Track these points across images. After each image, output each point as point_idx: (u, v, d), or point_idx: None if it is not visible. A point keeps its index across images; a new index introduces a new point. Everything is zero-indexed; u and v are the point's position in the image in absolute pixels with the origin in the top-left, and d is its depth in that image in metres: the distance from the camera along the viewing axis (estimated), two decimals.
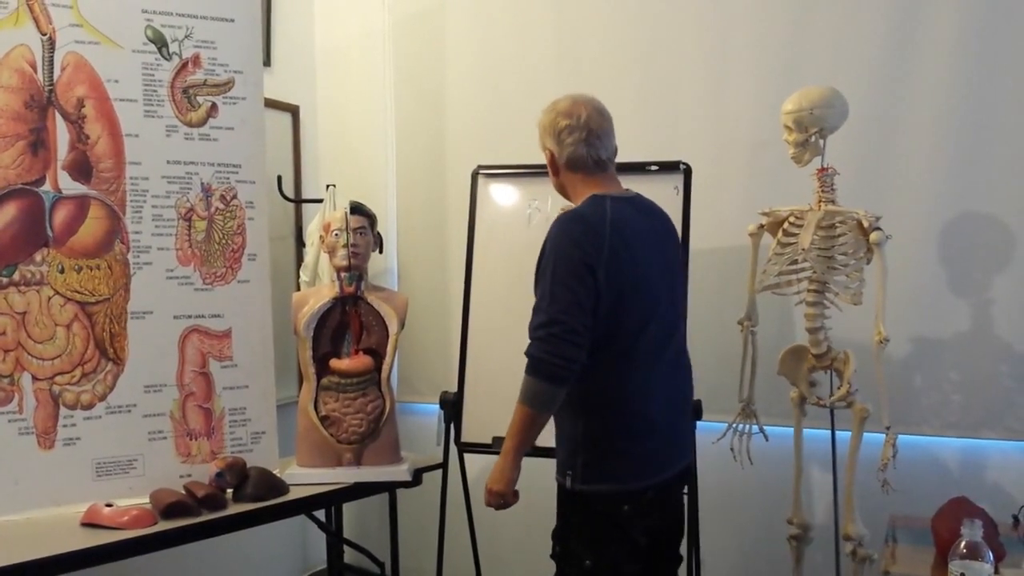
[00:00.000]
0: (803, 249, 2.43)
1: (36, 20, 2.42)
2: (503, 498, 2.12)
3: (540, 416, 2.01)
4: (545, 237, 2.07)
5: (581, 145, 2.11)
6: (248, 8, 2.75)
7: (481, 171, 2.97)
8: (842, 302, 2.44)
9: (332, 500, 2.97)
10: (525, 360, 1.98)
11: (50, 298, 2.43)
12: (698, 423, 2.56)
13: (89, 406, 2.47)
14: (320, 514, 3.18)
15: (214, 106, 2.66)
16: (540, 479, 3.38)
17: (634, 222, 2.08)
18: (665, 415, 2.11)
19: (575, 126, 2.11)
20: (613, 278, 1.98)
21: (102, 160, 2.50)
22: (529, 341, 1.98)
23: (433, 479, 2.86)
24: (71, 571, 2.10)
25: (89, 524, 2.27)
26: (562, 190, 2.22)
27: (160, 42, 2.59)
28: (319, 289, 2.83)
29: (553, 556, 2.20)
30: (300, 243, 3.62)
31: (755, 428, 2.62)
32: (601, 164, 2.14)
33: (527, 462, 2.93)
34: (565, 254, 2.00)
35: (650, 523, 2.11)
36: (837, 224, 2.43)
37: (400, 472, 2.69)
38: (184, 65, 2.62)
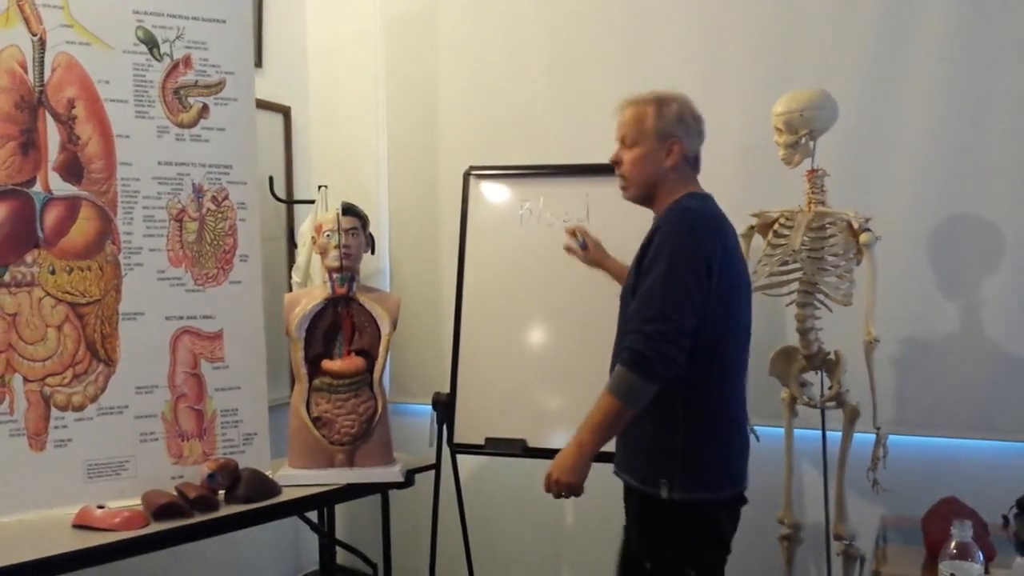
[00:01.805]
0: (793, 250, 2.44)
1: (27, 20, 2.42)
2: (572, 490, 2.01)
3: (628, 411, 1.94)
4: (655, 227, 2.03)
5: (700, 144, 2.15)
6: (239, 9, 2.74)
7: (473, 172, 2.97)
8: (832, 303, 2.45)
9: (324, 501, 2.97)
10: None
11: (41, 299, 2.43)
12: None
13: (80, 407, 2.46)
14: (312, 515, 3.18)
15: (205, 107, 2.66)
16: (529, 481, 3.39)
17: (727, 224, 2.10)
18: (745, 423, 2.14)
19: (703, 130, 2.14)
20: (724, 279, 1.97)
21: (93, 161, 2.50)
22: (634, 333, 1.92)
23: (426, 480, 2.86)
24: (63, 573, 2.09)
25: (81, 526, 2.26)
26: (648, 184, 2.11)
27: (151, 43, 2.58)
28: (311, 290, 2.82)
29: (641, 573, 2.07)
30: (292, 244, 3.62)
31: None
32: (698, 166, 2.17)
33: (521, 464, 2.93)
34: (686, 249, 1.95)
35: (731, 531, 2.13)
36: (827, 225, 2.45)
37: (392, 473, 2.69)
38: (175, 66, 2.62)
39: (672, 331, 1.89)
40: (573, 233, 2.57)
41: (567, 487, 2.00)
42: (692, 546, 2.03)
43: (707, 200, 2.08)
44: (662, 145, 2.07)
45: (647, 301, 1.93)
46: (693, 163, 2.13)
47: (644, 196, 2.13)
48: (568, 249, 2.59)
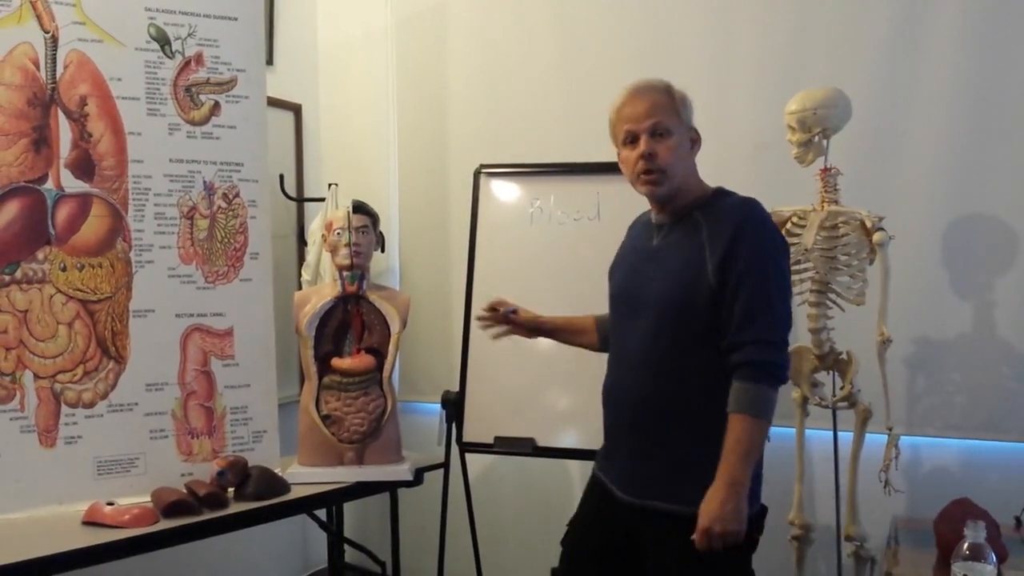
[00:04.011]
0: (806, 249, 2.43)
1: (39, 18, 2.42)
2: (738, 538, 1.77)
3: (768, 428, 1.82)
4: (738, 226, 1.85)
5: None
6: (251, 7, 2.74)
7: (483, 170, 2.97)
8: (845, 302, 2.44)
9: (333, 499, 2.97)
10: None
11: (52, 296, 2.43)
12: None
13: (91, 404, 2.47)
14: (321, 513, 3.18)
15: (217, 104, 2.66)
16: (543, 478, 3.39)
17: None
18: None
19: None
20: None
21: (104, 158, 2.50)
22: (757, 343, 1.80)
23: (434, 479, 2.86)
24: (73, 569, 2.10)
25: (90, 523, 2.26)
26: (682, 178, 1.95)
27: (163, 40, 2.58)
28: (321, 288, 2.83)
29: None
30: (302, 242, 3.62)
31: None
32: None
33: (530, 464, 2.89)
34: (782, 252, 1.92)
35: None
36: (840, 224, 2.43)
37: (401, 471, 2.69)
38: (187, 63, 2.62)
39: (786, 335, 1.86)
40: (494, 309, 2.31)
41: (734, 535, 1.76)
42: (748, 569, 1.92)
43: None
44: (687, 134, 1.97)
45: (770, 308, 1.83)
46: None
47: (676, 192, 1.96)
48: (501, 321, 2.32)
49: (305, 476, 2.63)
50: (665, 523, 1.87)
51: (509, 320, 2.30)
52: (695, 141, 2.00)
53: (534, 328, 2.32)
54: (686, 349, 1.88)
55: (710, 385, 1.86)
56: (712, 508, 1.76)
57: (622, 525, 1.97)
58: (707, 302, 1.85)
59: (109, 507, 2.28)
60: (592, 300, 2.68)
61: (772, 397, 1.81)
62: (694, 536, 1.78)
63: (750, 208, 1.92)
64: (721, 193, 1.99)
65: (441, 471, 2.88)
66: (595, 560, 2.04)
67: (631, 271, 2.06)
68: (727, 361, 1.84)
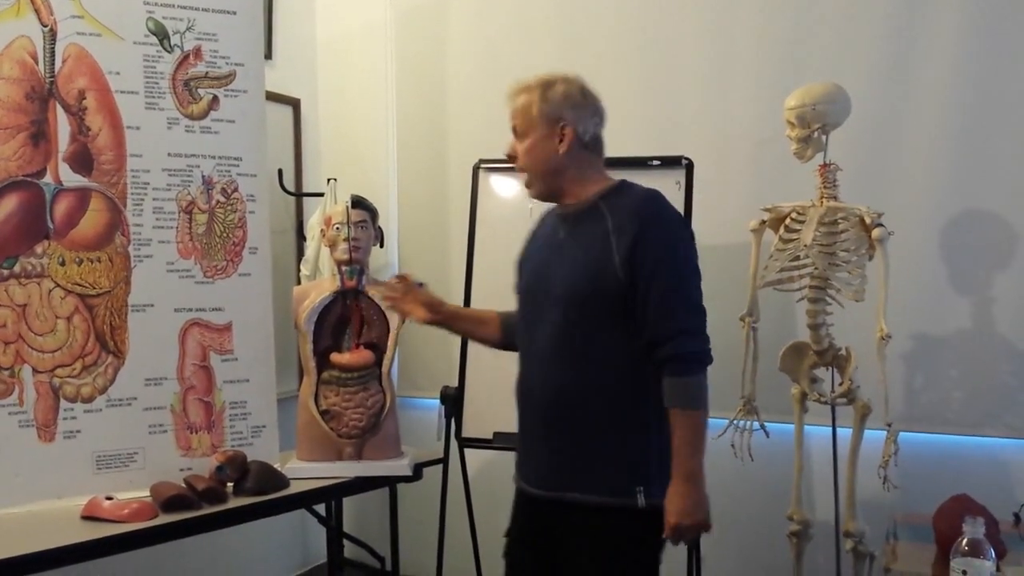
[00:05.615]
0: (805, 245, 2.43)
1: (37, 11, 2.41)
2: (706, 528, 1.84)
3: (707, 415, 1.86)
4: (643, 220, 1.86)
5: (601, 128, 2.01)
6: (250, 1, 2.73)
7: (482, 165, 2.97)
8: (844, 298, 2.44)
9: (332, 494, 2.97)
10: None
11: (51, 290, 2.43)
12: None
13: (89, 399, 2.46)
14: (320, 508, 3.18)
15: (215, 99, 2.65)
16: None
17: None
18: None
19: (599, 108, 2.01)
20: None
21: (103, 152, 2.49)
22: (679, 335, 1.82)
23: (434, 474, 2.86)
24: (72, 564, 2.10)
25: (89, 517, 2.26)
26: (548, 175, 1.98)
27: (161, 34, 2.58)
28: (320, 283, 2.82)
29: None
30: (301, 237, 3.62)
31: (756, 424, 2.61)
32: (601, 150, 2.03)
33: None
34: (690, 241, 1.93)
35: None
36: (839, 220, 2.43)
37: (401, 466, 2.69)
38: (185, 57, 2.61)
39: (705, 320, 1.88)
40: (403, 278, 2.36)
41: (701, 527, 1.83)
42: (656, 560, 1.94)
43: None
44: (552, 131, 1.96)
45: (680, 297, 1.85)
46: (593, 146, 1.99)
47: (551, 191, 2.00)
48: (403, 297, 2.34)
49: (304, 471, 2.63)
50: (579, 514, 1.89)
51: (414, 293, 2.31)
52: (562, 137, 1.95)
53: (434, 308, 2.31)
54: (593, 339, 1.89)
55: (619, 375, 1.88)
56: (677, 505, 1.81)
57: (540, 522, 1.99)
58: (614, 292, 1.85)
59: (108, 501, 2.28)
60: None
61: (704, 384, 1.85)
62: (665, 534, 1.83)
63: (653, 200, 1.92)
64: (625, 185, 1.99)
65: (440, 466, 2.88)
66: (533, 567, 2.06)
67: (539, 264, 2.04)
68: (652, 356, 1.85)
